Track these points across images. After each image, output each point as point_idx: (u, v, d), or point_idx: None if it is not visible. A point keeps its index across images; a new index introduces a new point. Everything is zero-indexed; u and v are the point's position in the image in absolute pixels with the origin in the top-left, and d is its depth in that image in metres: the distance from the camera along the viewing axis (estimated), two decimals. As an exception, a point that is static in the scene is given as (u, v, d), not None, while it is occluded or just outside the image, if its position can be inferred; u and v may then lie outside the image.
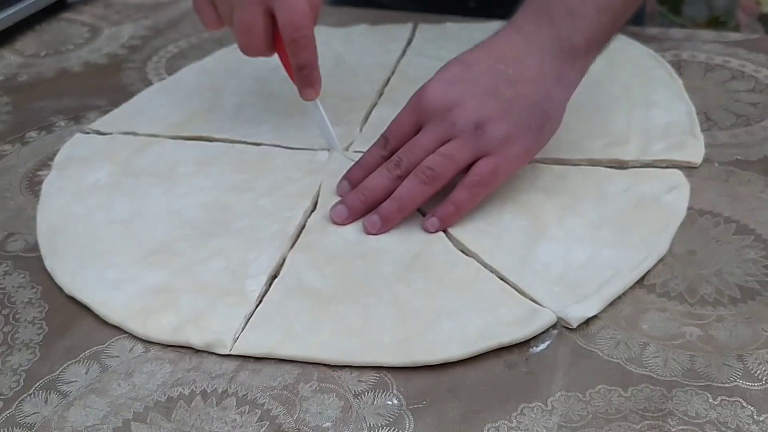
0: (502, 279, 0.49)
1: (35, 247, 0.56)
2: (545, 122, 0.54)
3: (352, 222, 0.55)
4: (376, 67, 0.78)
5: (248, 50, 0.60)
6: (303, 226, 0.56)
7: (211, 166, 0.64)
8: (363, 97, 0.72)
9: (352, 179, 0.57)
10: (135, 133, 0.69)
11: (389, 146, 0.55)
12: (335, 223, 0.55)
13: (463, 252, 0.52)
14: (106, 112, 0.74)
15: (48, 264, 0.54)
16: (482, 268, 0.50)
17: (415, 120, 0.54)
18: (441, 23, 0.86)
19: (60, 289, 0.52)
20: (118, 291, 0.50)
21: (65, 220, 0.58)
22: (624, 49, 0.76)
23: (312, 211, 0.57)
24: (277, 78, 0.75)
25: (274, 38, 0.59)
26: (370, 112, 0.70)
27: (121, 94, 0.77)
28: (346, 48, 0.82)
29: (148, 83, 0.79)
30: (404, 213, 0.53)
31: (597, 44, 0.54)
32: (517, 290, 0.48)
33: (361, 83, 0.74)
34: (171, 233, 0.56)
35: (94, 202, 0.60)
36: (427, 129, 0.53)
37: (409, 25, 0.86)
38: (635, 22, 0.97)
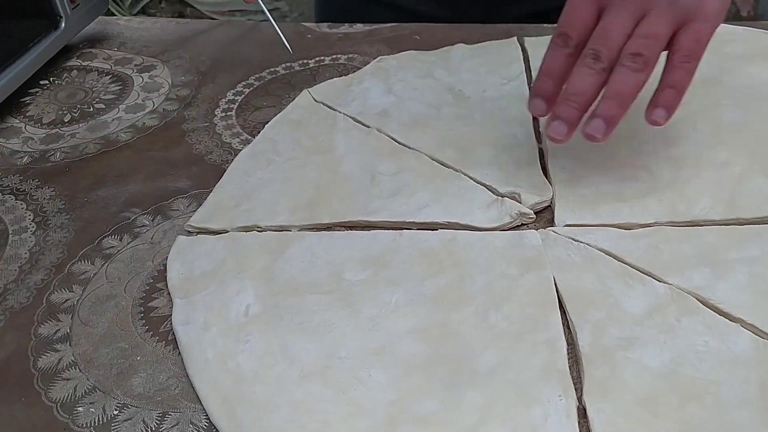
0: None
1: (210, 433, 0.39)
2: None
3: (572, 136, 0.49)
4: (507, 98, 0.63)
5: None
6: (573, 352, 0.41)
7: (385, 266, 0.48)
8: (518, 143, 0.58)
9: (545, 93, 0.51)
10: (258, 228, 0.52)
11: (572, 42, 0.51)
12: (554, 140, 0.49)
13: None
14: (196, 197, 0.57)
15: (250, 465, 0.37)
16: None
17: (594, 4, 0.51)
18: (547, 34, 0.72)
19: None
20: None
21: (237, 383, 0.41)
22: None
23: (568, 324, 0.43)
24: (397, 123, 0.61)
25: None
26: (545, 161, 0.56)
27: (202, 169, 0.60)
28: (455, 78, 0.67)
29: (229, 148, 0.62)
30: (625, 108, 0.48)
31: None
32: None
33: (505, 123, 0.60)
34: (396, 387, 0.40)
35: (261, 347, 0.43)
36: (615, 10, 0.50)
37: (514, 41, 0.72)
38: None
